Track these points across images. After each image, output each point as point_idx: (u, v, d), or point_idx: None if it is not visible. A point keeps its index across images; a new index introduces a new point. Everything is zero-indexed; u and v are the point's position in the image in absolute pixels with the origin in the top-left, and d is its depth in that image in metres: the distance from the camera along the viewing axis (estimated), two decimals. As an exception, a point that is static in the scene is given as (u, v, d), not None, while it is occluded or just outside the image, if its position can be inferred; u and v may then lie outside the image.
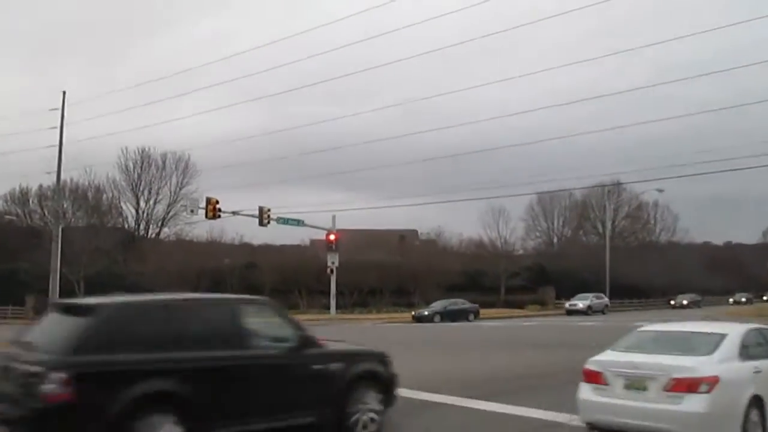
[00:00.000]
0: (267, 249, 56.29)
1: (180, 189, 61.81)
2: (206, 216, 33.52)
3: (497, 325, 32.52)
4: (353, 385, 7.69)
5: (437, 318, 37.53)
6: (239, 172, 73.44)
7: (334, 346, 8.05)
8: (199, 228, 57.09)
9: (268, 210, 35.33)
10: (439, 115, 70.91)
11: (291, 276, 46.85)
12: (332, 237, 39.65)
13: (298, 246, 57.49)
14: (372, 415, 7.81)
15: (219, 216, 33.60)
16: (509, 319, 38.48)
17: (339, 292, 41.72)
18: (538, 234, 69.45)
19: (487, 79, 76.89)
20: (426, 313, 38.54)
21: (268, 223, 35.45)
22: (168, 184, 62.28)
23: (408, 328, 30.48)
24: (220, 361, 6.77)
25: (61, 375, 5.55)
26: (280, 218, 37.08)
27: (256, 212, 35.27)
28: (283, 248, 56.96)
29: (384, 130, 73.79)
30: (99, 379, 5.85)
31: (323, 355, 7.66)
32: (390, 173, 77.96)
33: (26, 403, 5.66)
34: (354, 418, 7.64)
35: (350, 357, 8.00)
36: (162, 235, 62.02)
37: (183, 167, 62.12)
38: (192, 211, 34.55)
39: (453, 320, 37.39)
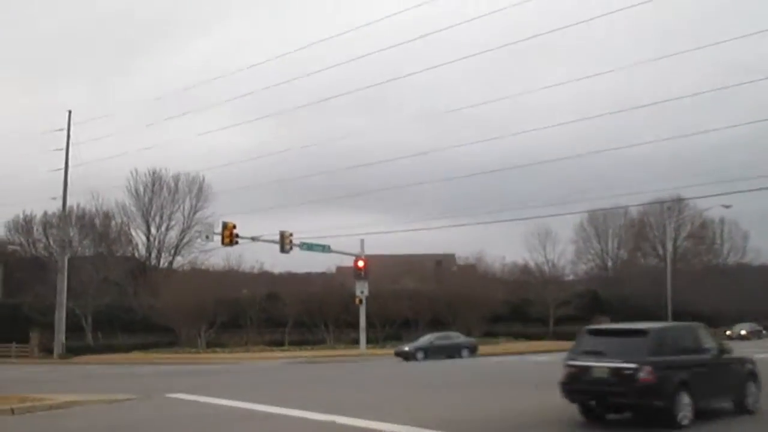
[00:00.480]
0: (289, 278, 57.22)
1: (194, 214, 62.90)
2: (222, 242, 34.25)
3: (503, 360, 31.08)
4: (745, 378, 12.82)
5: (420, 355, 34.73)
6: (258, 194, 74.72)
7: (734, 354, 13.23)
8: (216, 256, 57.47)
9: (290, 235, 35.64)
10: (477, 127, 71.51)
11: (316, 307, 47.32)
12: (361, 263, 40.44)
13: (323, 274, 57.64)
14: (753, 398, 12.91)
15: (236, 242, 34.02)
16: (549, 354, 34.51)
17: (369, 325, 42.39)
18: (590, 257, 69.54)
19: (530, 86, 78.39)
20: (406, 348, 35.91)
21: (291, 249, 35.81)
22: (181, 208, 63.23)
23: (384, 367, 29.13)
24: (700, 361, 11.94)
25: (648, 368, 10.86)
26: (304, 244, 37.36)
27: (277, 237, 35.62)
28: (307, 277, 57.61)
29: (416, 145, 74.88)
30: (664, 370, 11.00)
31: (733, 359, 12.96)
32: (424, 192, 77.63)
33: (627, 384, 10.89)
34: (746, 400, 12.75)
35: (742, 360, 13.29)
36: (175, 265, 63.05)
37: (197, 190, 63.19)
38: (207, 237, 35.25)
39: (443, 357, 34.82)
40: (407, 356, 34.81)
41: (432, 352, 35.14)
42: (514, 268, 60.18)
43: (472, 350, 36.52)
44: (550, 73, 68.53)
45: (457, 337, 37.54)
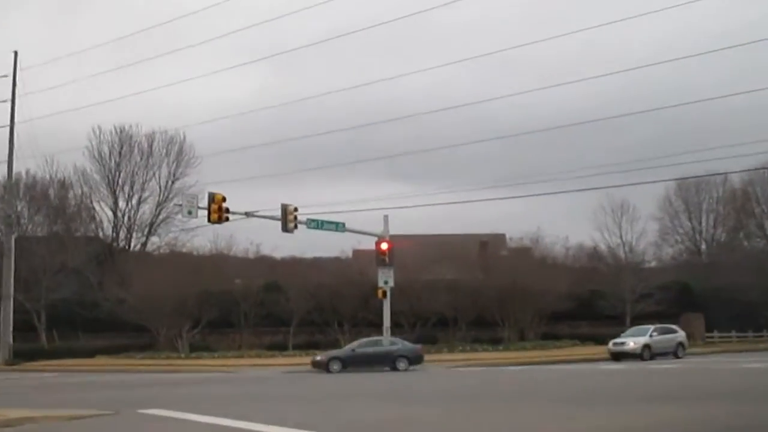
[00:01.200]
0: (294, 264, 56.90)
1: (173, 183, 62.70)
2: (209, 219, 33.18)
3: (475, 371, 31.98)
4: None
5: (335, 366, 35.38)
6: (253, 158, 75.37)
7: None
8: (201, 236, 59.83)
9: (295, 210, 35.43)
10: (534, 74, 71.27)
11: (327, 301, 47.95)
12: (384, 246, 39.21)
13: (337, 259, 57.68)
14: None
15: (227, 219, 33.64)
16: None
17: (395, 325, 42.07)
18: (677, 238, 69.00)
19: (602, 18, 79.18)
20: (319, 358, 36.67)
21: (295, 227, 35.72)
22: (156, 175, 62.87)
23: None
24: None
25: None
26: (312, 221, 37.18)
27: (278, 213, 35.40)
28: (315, 263, 57.51)
29: (455, 96, 74.15)
30: None
31: None
32: (465, 156, 77.99)
33: None
34: None
35: None
36: (149, 247, 63.24)
37: (176, 152, 62.86)
38: (190, 212, 34.21)
39: (369, 368, 35.47)
40: (320, 366, 35.49)
41: (354, 363, 35.85)
42: (580, 251, 59.96)
43: (414, 360, 36.33)
44: (625, 3, 66.10)
45: (392, 344, 37.44)
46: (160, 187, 62.91)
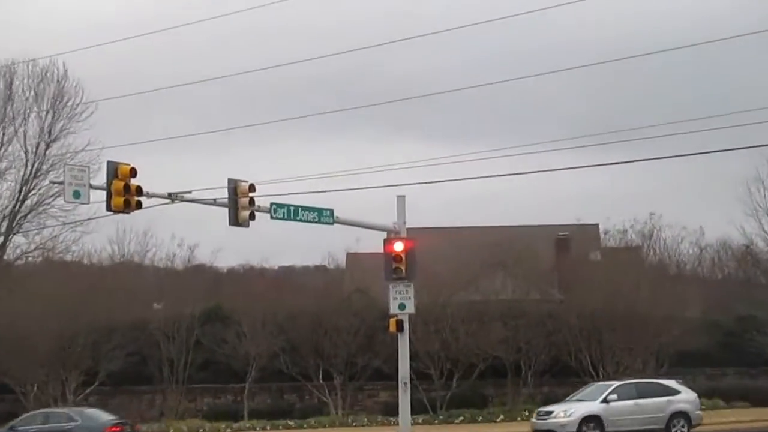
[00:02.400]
0: (250, 278, 58.43)
1: (48, 145, 62.55)
2: (110, 206, 31.43)
3: None
4: None
5: None
6: (178, 107, 78.22)
7: None
8: (97, 235, 60.03)
9: (251, 189, 34.55)
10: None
11: (305, 339, 48.33)
12: (399, 246, 37.61)
13: (321, 270, 58.55)
14: None
15: (139, 205, 32.16)
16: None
17: (419, 374, 42.61)
18: None
19: None
20: None
21: (252, 218, 34.73)
22: (20, 133, 62.77)
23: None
24: None
25: None
26: (279, 207, 36.01)
27: (223, 195, 34.67)
28: (286, 275, 58.62)
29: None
30: None
31: None
32: (519, 99, 74.69)
33: None
34: None
35: None
36: (11, 252, 63.52)
37: (52, 95, 62.68)
38: (77, 194, 31.79)
39: None
40: None
41: None
42: (724, 253, 59.76)
43: None
44: None
45: None
46: (26, 153, 62.47)
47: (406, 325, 37.65)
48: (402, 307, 37.54)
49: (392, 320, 37.51)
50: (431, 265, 44.25)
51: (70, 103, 62.70)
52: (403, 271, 36.95)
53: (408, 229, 38.52)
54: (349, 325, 48.41)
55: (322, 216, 36.69)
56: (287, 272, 57.71)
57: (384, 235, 38.69)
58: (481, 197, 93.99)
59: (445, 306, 47.09)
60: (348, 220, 38.70)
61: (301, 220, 36.52)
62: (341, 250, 57.59)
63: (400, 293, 37.61)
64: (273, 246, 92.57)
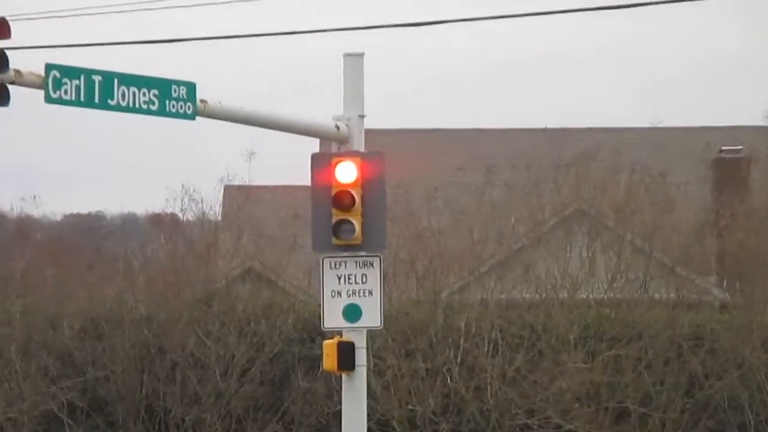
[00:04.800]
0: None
1: None
2: None
3: None
4: None
5: None
6: None
7: None
8: None
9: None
10: None
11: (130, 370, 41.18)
12: (349, 173, 28.50)
13: (156, 221, 52.97)
14: None
15: None
16: None
17: None
18: None
19: None
20: None
21: (5, 100, 26.47)
22: None
23: None
24: None
25: None
26: (61, 73, 27.24)
27: None
28: (74, 233, 58.51)
29: None
30: None
31: None
32: None
33: None
34: None
35: None
36: None
37: None
38: None
39: None
40: None
41: None
42: None
43: None
44: None
45: None
46: None
47: (361, 356, 25.58)
48: (353, 313, 25.38)
49: (328, 344, 25.40)
50: (416, 216, 38.72)
51: None
52: (357, 230, 24.78)
53: (369, 132, 26.89)
54: (223, 353, 38.25)
55: (171, 99, 24.45)
56: (79, 226, 50.78)
57: (313, 146, 28.85)
58: (510, 66, 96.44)
59: (452, 309, 36.07)
60: (232, 110, 25.70)
61: (120, 109, 24.11)
62: (210, 180, 49.10)
63: (349, 281, 25.53)
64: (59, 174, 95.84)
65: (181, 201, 49.25)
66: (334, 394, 33.33)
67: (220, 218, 49.73)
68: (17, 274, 47.97)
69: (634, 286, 40.24)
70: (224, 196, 49.70)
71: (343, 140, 25.50)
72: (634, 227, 42.44)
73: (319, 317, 26.48)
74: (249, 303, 40.12)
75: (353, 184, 24.54)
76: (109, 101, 24.04)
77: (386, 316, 27.13)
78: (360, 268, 25.11)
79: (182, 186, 48.39)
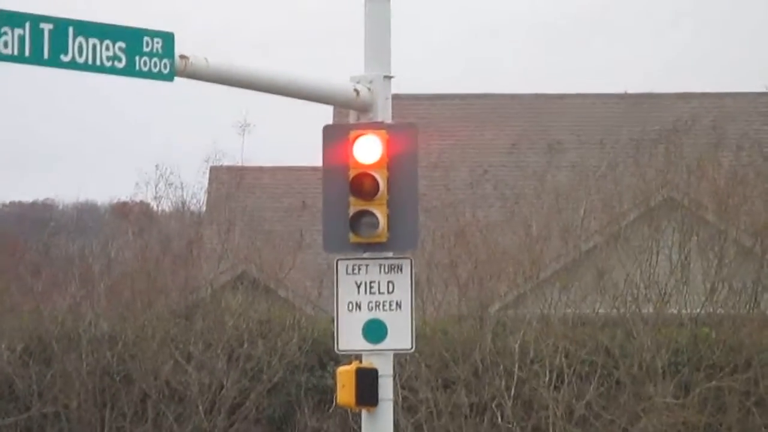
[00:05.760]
0: None
1: None
2: None
3: None
4: None
5: None
6: None
7: None
8: None
9: None
10: None
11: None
12: (373, 151, 28.40)
13: (118, 210, 57.99)
14: None
15: None
16: None
17: None
18: None
19: None
20: None
21: None
22: None
23: None
24: None
25: None
26: (12, 17, 29.31)
27: None
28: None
29: None
30: None
31: None
32: None
33: None
34: None
35: None
36: None
37: None
38: None
39: None
40: None
41: None
42: None
43: None
44: None
45: None
46: None
47: (387, 387, 24.85)
48: (376, 332, 24.82)
49: (343, 371, 24.75)
50: (458, 207, 39.69)
51: None
52: (382, 224, 24.05)
53: (397, 98, 26.12)
54: (208, 382, 38.46)
55: (142, 54, 23.50)
56: (22, 218, 54.58)
57: (326, 117, 32.64)
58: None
59: (504, 327, 36.60)
60: (222, 69, 24.32)
61: (77, 66, 22.81)
62: (193, 160, 51.48)
63: (371, 291, 25.00)
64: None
65: (155, 186, 48.43)
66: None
67: (204, 208, 49.11)
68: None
69: (740, 298, 39.65)
70: (210, 180, 48.79)
71: (363, 108, 24.85)
72: (740, 222, 41.85)
73: (331, 337, 25.44)
74: (241, 318, 39.72)
75: (377, 165, 23.93)
76: (62, 57, 22.84)
77: (419, 336, 26.61)
78: (385, 273, 24.46)
79: (156, 167, 47.98)
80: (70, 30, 23.15)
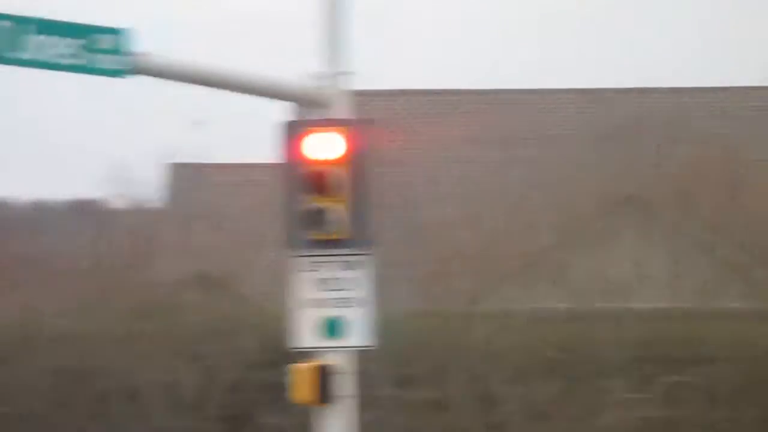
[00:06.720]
0: None
1: None
2: None
3: None
4: None
5: None
6: None
7: None
8: None
9: None
10: None
11: None
12: (332, 148, 28.93)
13: (75, 209, 59.69)
14: None
15: None
16: None
17: None
18: None
19: None
20: None
21: None
22: None
23: None
24: None
25: None
26: None
27: None
28: None
29: None
30: None
31: None
32: None
33: None
34: None
35: None
36: None
37: None
38: None
39: None
40: None
41: None
42: None
43: None
44: None
45: None
46: None
47: (346, 384, 25.17)
48: (334, 328, 25.17)
49: (300, 368, 25.11)
50: (417, 203, 40.51)
51: None
52: (340, 221, 24.26)
53: (356, 94, 25.83)
54: (168, 381, 38.45)
55: (96, 51, 23.82)
56: None
57: (289, 111, 28.93)
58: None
59: (464, 324, 36.90)
60: (176, 66, 25.21)
61: (34, 64, 23.76)
62: (150, 157, 49.32)
63: (329, 288, 25.17)
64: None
65: (113, 184, 48.77)
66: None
67: (162, 205, 49.24)
68: None
69: (699, 292, 39.78)
70: (169, 177, 49.31)
71: (322, 104, 25.10)
72: (698, 217, 42.11)
73: (291, 335, 25.89)
74: (201, 316, 39.50)
75: (335, 162, 24.05)
76: (22, 55, 23.57)
77: (378, 333, 26.06)
78: (344, 270, 24.73)
79: (113, 165, 48.18)
80: (31, 28, 23.15)
